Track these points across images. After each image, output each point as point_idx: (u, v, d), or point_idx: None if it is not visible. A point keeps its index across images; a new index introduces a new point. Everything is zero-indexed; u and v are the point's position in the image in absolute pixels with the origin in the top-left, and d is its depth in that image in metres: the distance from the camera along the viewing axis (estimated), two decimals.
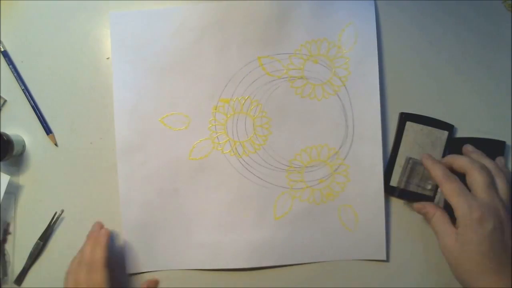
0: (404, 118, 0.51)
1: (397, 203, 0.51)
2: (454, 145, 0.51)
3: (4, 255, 0.50)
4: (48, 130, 0.51)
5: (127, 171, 0.50)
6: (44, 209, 0.50)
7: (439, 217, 0.45)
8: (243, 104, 0.51)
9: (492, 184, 0.42)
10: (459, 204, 0.41)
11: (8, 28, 0.51)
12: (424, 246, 0.51)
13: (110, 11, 0.50)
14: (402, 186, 0.49)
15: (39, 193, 0.51)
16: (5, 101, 0.51)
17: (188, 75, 0.50)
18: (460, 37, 0.53)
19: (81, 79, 0.51)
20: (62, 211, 0.50)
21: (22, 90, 0.50)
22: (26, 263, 0.50)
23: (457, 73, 0.53)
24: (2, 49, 0.51)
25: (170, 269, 0.50)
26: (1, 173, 0.49)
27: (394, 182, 0.51)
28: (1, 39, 0.51)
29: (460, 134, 0.52)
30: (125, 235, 0.50)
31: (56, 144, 0.51)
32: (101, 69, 0.51)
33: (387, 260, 0.51)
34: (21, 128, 0.51)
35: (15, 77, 0.50)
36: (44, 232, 0.50)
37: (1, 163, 0.49)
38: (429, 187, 0.49)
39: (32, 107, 0.51)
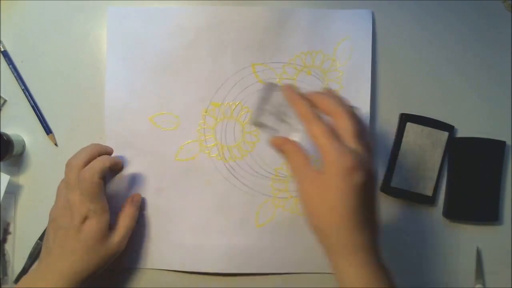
0: (405, 119, 0.51)
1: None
2: (455, 145, 0.51)
3: (4, 255, 0.50)
4: (48, 130, 0.51)
5: None
6: (44, 209, 0.50)
7: (301, 159, 0.38)
8: (234, 109, 0.51)
9: (361, 133, 0.36)
10: (328, 148, 0.35)
11: (8, 28, 0.51)
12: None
13: (108, 7, 0.50)
14: (257, 117, 0.41)
15: (39, 193, 0.51)
16: (5, 101, 0.51)
17: (181, 76, 0.50)
18: (460, 37, 0.53)
19: (81, 79, 0.51)
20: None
21: (22, 90, 0.50)
22: (26, 263, 0.50)
23: (457, 74, 0.53)
24: (2, 49, 0.51)
25: (149, 268, 0.50)
26: (1, 173, 0.49)
27: (394, 183, 0.51)
28: (1, 39, 0.51)
29: (460, 134, 0.52)
30: None
31: (56, 144, 0.51)
32: (101, 69, 0.51)
33: None
34: (21, 128, 0.51)
35: (15, 77, 0.50)
36: (44, 232, 0.50)
37: (1, 163, 0.49)
38: (290, 121, 0.41)
39: (32, 107, 0.51)
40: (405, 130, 0.51)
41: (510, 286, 0.52)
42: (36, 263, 0.44)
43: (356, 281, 0.35)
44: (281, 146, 0.39)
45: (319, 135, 0.36)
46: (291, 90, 0.40)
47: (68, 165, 0.44)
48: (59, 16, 0.51)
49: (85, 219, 0.43)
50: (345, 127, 0.36)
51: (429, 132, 0.51)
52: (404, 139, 0.51)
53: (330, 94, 0.40)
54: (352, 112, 0.37)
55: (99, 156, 0.45)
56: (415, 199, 0.51)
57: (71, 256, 0.42)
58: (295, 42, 0.51)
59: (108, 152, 0.48)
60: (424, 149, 0.51)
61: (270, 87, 0.42)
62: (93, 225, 0.43)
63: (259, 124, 0.41)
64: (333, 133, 0.36)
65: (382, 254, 0.37)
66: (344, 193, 0.35)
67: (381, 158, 0.52)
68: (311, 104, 0.38)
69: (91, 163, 0.44)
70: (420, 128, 0.51)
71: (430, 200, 0.51)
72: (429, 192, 0.51)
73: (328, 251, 0.37)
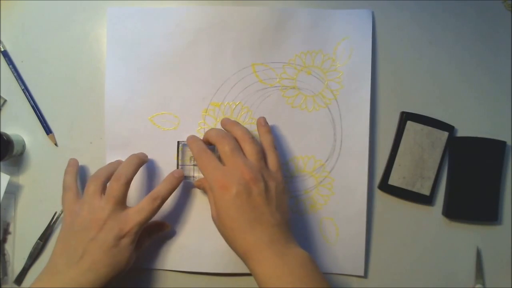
0: (405, 117, 0.51)
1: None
2: (455, 145, 0.51)
3: (4, 255, 0.50)
4: (48, 130, 0.51)
5: None
6: (44, 209, 0.50)
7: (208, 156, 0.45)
8: (234, 109, 0.51)
9: (235, 150, 0.43)
10: (207, 176, 0.43)
11: (8, 28, 0.51)
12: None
13: (108, 7, 0.50)
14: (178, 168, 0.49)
15: (39, 193, 0.51)
16: (5, 101, 0.51)
17: (181, 76, 0.50)
18: (460, 37, 0.53)
19: (81, 79, 0.51)
20: (62, 211, 0.50)
21: (22, 90, 0.50)
22: (26, 263, 0.50)
23: (457, 73, 0.53)
24: (2, 49, 0.51)
25: (149, 268, 0.50)
26: (1, 173, 0.49)
27: (392, 181, 0.51)
28: (1, 39, 0.51)
29: (460, 134, 0.52)
30: None
31: (56, 144, 0.51)
32: (101, 69, 0.51)
33: (365, 276, 0.51)
34: (21, 128, 0.51)
35: (15, 77, 0.50)
36: (44, 232, 0.50)
37: (1, 163, 0.49)
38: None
39: (32, 107, 0.51)
40: (405, 129, 0.51)
41: (510, 286, 0.52)
42: (49, 266, 0.42)
43: (266, 276, 0.39)
44: (200, 186, 0.49)
45: (202, 167, 0.44)
46: (190, 136, 0.48)
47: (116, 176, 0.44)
48: (59, 16, 0.51)
49: (122, 237, 0.42)
50: (221, 151, 0.44)
51: (429, 131, 0.51)
52: (404, 138, 0.51)
53: (224, 123, 0.48)
54: (224, 136, 0.45)
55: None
56: (412, 198, 0.51)
57: (102, 268, 0.41)
58: (295, 42, 0.51)
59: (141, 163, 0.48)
60: (424, 148, 0.51)
61: (182, 145, 0.49)
62: (128, 243, 0.43)
63: (186, 177, 0.48)
64: (211, 162, 0.43)
65: (291, 243, 0.41)
66: (226, 208, 0.41)
67: (380, 155, 0.52)
68: (206, 143, 0.47)
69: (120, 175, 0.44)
70: (420, 127, 0.51)
71: (428, 200, 0.51)
72: (426, 192, 0.51)
73: (241, 258, 0.42)
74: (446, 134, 0.51)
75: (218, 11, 0.50)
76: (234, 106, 0.51)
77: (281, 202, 0.43)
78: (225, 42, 0.50)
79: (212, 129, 0.47)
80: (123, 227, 0.42)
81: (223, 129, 0.48)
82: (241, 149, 0.44)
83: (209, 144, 0.46)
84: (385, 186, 0.51)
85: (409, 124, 0.51)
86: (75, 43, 0.51)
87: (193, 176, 0.49)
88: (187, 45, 0.50)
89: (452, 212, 0.51)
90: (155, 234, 0.48)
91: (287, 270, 0.39)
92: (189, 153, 0.49)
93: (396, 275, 0.51)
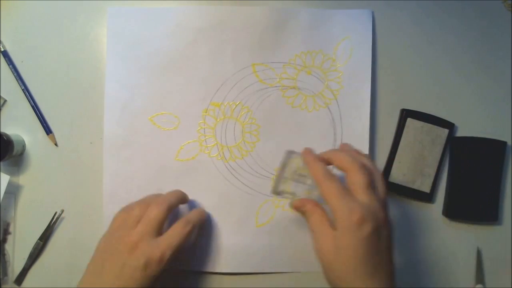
0: (405, 114, 0.51)
1: None
2: (455, 145, 0.51)
3: (4, 255, 0.50)
4: (48, 130, 0.51)
5: (113, 167, 0.50)
6: (44, 209, 0.50)
7: (318, 217, 0.41)
8: (234, 109, 0.51)
9: (371, 185, 0.39)
10: (338, 205, 0.38)
11: (8, 28, 0.51)
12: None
13: (108, 7, 0.50)
14: (277, 181, 0.45)
15: (39, 193, 0.51)
16: (5, 101, 0.51)
17: (181, 76, 0.50)
18: (460, 37, 0.53)
19: (81, 79, 0.51)
20: (62, 211, 0.50)
21: (22, 90, 0.50)
22: (26, 263, 0.50)
23: (457, 73, 0.53)
24: (2, 49, 0.51)
25: None
26: (1, 173, 0.49)
27: (392, 178, 0.51)
28: (1, 39, 0.51)
29: (460, 133, 0.52)
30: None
31: (56, 144, 0.51)
32: (101, 69, 0.51)
33: None
34: (21, 128, 0.51)
35: (15, 77, 0.50)
36: (44, 232, 0.50)
37: (1, 163, 0.49)
38: (309, 181, 0.44)
39: (32, 107, 0.51)
40: (406, 126, 0.51)
41: (510, 286, 0.52)
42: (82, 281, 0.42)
43: None
44: (301, 207, 0.43)
45: (329, 194, 0.39)
46: (308, 153, 0.43)
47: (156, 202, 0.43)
48: (59, 16, 0.51)
49: (153, 261, 0.41)
50: (356, 181, 0.39)
51: (430, 128, 0.51)
52: (404, 135, 0.51)
53: (345, 149, 0.44)
54: (362, 166, 0.39)
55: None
56: (413, 195, 0.51)
57: None
58: (295, 42, 0.51)
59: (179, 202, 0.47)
60: (424, 145, 0.51)
61: (288, 154, 0.45)
62: (154, 270, 0.41)
63: (278, 193, 0.44)
64: (343, 191, 0.39)
65: None
66: (354, 247, 0.37)
67: (381, 153, 0.52)
68: (327, 163, 0.42)
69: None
70: (421, 124, 0.51)
71: (428, 197, 0.51)
72: (426, 189, 0.51)
73: None
74: (446, 131, 0.51)
75: (218, 11, 0.50)
76: (234, 106, 0.51)
77: (393, 249, 0.40)
78: (225, 42, 0.50)
79: (342, 152, 0.42)
80: (154, 253, 0.40)
81: (350, 153, 0.42)
82: None
83: (328, 164, 0.42)
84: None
85: (409, 121, 0.51)
86: (75, 43, 0.51)
87: (290, 193, 0.44)
88: (187, 45, 0.50)
89: (452, 212, 0.51)
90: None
91: None
92: (295, 166, 0.44)
93: (396, 275, 0.51)
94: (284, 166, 0.44)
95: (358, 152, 0.43)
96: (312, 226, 0.41)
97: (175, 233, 0.42)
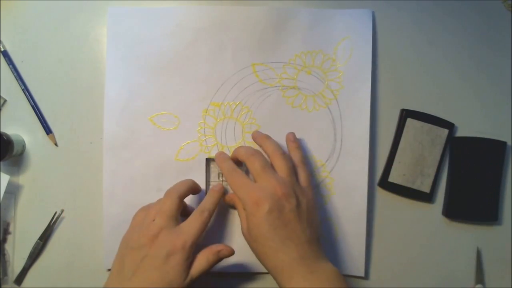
0: (405, 114, 0.51)
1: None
2: (455, 145, 0.51)
3: (4, 255, 0.50)
4: (48, 130, 0.51)
5: (113, 167, 0.50)
6: (44, 209, 0.50)
7: (240, 205, 0.45)
8: (234, 109, 0.51)
9: (266, 167, 0.44)
10: (240, 194, 0.43)
11: (8, 28, 0.51)
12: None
13: (108, 7, 0.50)
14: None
15: (39, 193, 0.51)
16: (5, 101, 0.51)
17: (181, 76, 0.50)
18: (460, 37, 0.53)
19: (81, 79, 0.51)
20: (62, 211, 0.50)
21: (22, 90, 0.50)
22: (26, 263, 0.50)
23: (457, 73, 0.53)
24: (2, 49, 0.51)
25: None
26: (1, 173, 0.49)
27: (392, 178, 0.51)
28: (1, 39, 0.51)
29: (460, 133, 0.52)
30: (106, 231, 0.49)
31: (56, 144, 0.51)
32: (101, 69, 0.51)
33: (365, 276, 0.51)
34: (21, 128, 0.51)
35: (15, 77, 0.50)
36: (44, 232, 0.50)
37: (1, 163, 0.49)
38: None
39: (32, 107, 0.51)
40: (405, 126, 0.51)
41: (510, 286, 0.52)
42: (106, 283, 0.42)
43: None
44: (230, 202, 0.48)
45: (234, 186, 0.44)
46: (218, 155, 0.48)
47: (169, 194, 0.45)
48: (59, 16, 0.51)
49: (174, 252, 0.41)
50: (251, 169, 0.44)
51: (429, 128, 0.51)
52: (404, 135, 0.51)
53: (254, 137, 0.49)
54: (254, 154, 0.45)
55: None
56: (413, 195, 0.51)
57: (154, 285, 0.40)
58: (295, 42, 0.51)
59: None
60: (424, 146, 0.51)
61: (207, 162, 0.50)
62: (180, 260, 0.41)
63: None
64: (243, 179, 0.44)
65: (321, 259, 0.41)
66: (258, 225, 0.41)
67: (381, 153, 0.52)
68: (234, 159, 0.47)
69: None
70: (420, 124, 0.51)
71: (428, 197, 0.51)
72: (426, 189, 0.51)
73: (271, 273, 0.42)
74: (446, 131, 0.51)
75: (218, 11, 0.50)
76: (234, 106, 0.51)
77: (312, 218, 0.43)
78: (225, 42, 0.50)
79: (240, 147, 0.48)
80: (175, 242, 0.41)
81: (251, 146, 0.48)
82: (271, 165, 0.45)
83: (237, 161, 0.47)
84: (385, 183, 0.51)
85: (409, 121, 0.51)
86: (75, 43, 0.51)
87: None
88: (187, 45, 0.50)
89: (452, 212, 0.51)
90: (212, 258, 0.43)
91: (318, 286, 0.39)
92: (216, 169, 0.50)
93: (396, 275, 0.51)
94: (208, 174, 0.50)
95: (264, 138, 0.48)
96: (238, 214, 0.46)
97: (192, 222, 0.43)
